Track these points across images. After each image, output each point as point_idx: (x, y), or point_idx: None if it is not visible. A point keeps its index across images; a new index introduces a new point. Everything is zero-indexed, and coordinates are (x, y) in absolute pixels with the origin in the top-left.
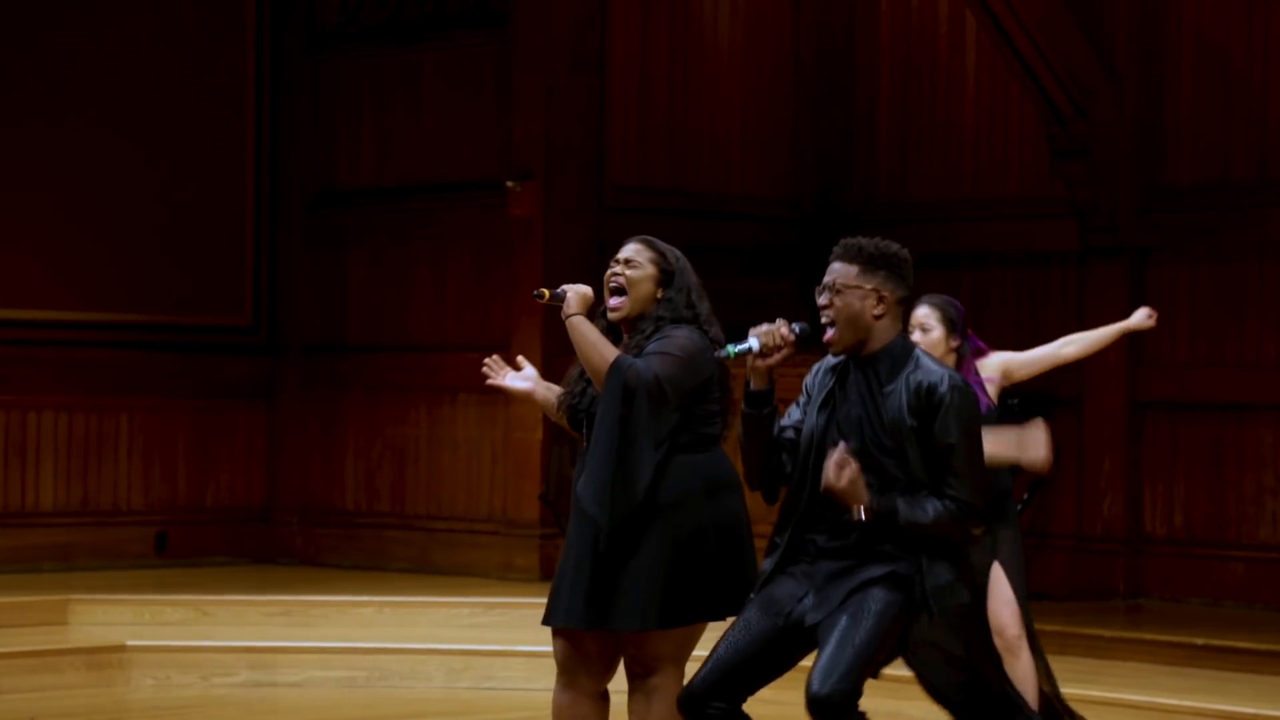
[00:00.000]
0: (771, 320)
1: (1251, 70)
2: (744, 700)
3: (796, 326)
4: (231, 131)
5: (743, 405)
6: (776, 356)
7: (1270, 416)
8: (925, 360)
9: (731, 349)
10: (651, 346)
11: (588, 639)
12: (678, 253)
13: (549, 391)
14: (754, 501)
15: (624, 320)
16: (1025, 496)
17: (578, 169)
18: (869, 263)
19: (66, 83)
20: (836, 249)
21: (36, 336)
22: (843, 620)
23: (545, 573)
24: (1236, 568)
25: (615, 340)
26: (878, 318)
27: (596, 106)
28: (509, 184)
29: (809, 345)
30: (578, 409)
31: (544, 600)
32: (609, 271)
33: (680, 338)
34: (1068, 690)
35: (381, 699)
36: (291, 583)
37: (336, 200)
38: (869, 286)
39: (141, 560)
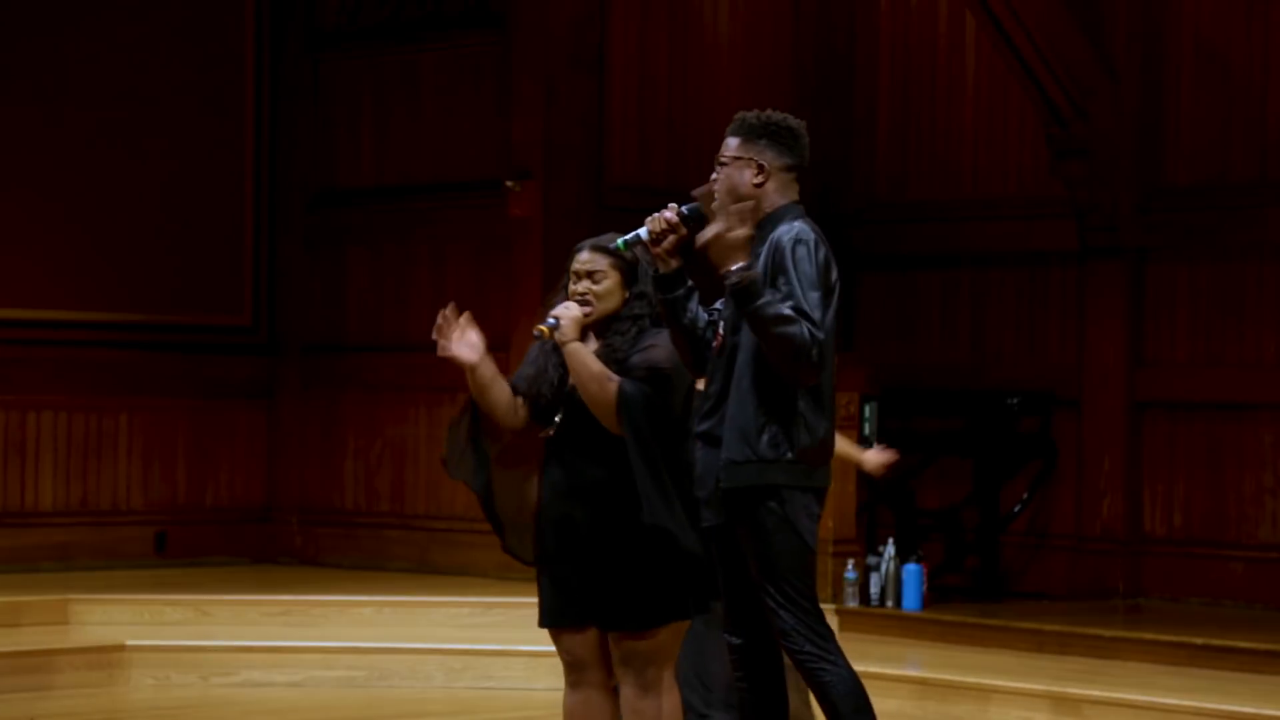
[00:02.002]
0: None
1: (1251, 70)
2: (754, 624)
3: (686, 208)
4: (231, 131)
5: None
6: (670, 240)
7: (1270, 416)
8: (794, 219)
9: (621, 240)
10: (637, 358)
11: (589, 636)
12: None
13: (496, 375)
14: None
15: (593, 323)
16: (1025, 496)
17: (577, 169)
18: (749, 133)
19: (66, 82)
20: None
21: (36, 336)
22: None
23: None
24: (1236, 567)
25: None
26: (758, 186)
27: (596, 106)
28: (509, 184)
29: (701, 224)
30: (540, 395)
31: None
32: (574, 286)
33: (663, 346)
34: (1069, 690)
35: (381, 699)
36: (291, 583)
37: (336, 200)
38: (747, 156)
39: (141, 560)
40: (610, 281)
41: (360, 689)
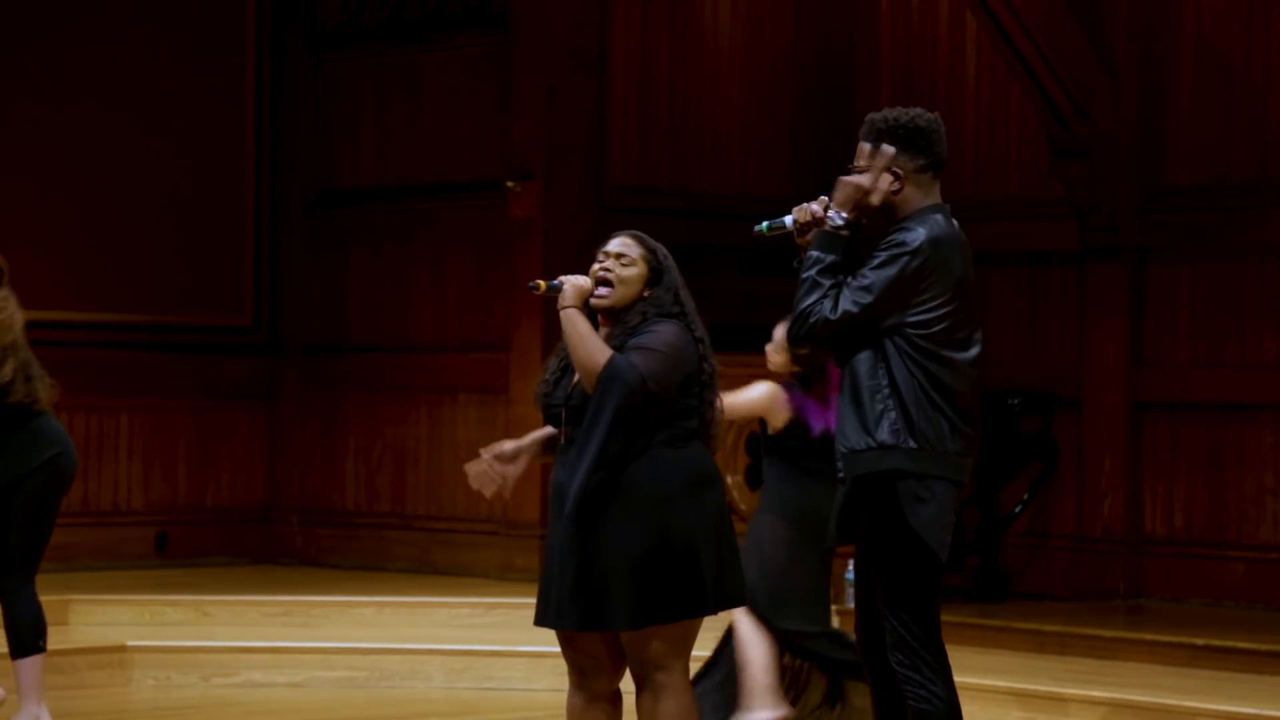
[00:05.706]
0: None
1: (1251, 70)
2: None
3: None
4: (231, 131)
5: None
6: (813, 232)
7: (1270, 416)
8: (923, 222)
9: (766, 225)
10: (635, 340)
11: (593, 639)
12: (665, 250)
13: (533, 446)
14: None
15: (607, 310)
16: (1025, 496)
17: (578, 169)
18: (879, 138)
19: (67, 83)
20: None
21: (37, 336)
22: None
23: None
24: (1236, 568)
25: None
26: (896, 192)
27: (596, 107)
28: (509, 184)
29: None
30: (553, 402)
31: None
32: (598, 265)
33: (664, 332)
34: (1068, 690)
35: (381, 699)
36: (291, 583)
37: (336, 200)
38: (881, 164)
39: (141, 560)
40: (636, 270)
41: (360, 689)
